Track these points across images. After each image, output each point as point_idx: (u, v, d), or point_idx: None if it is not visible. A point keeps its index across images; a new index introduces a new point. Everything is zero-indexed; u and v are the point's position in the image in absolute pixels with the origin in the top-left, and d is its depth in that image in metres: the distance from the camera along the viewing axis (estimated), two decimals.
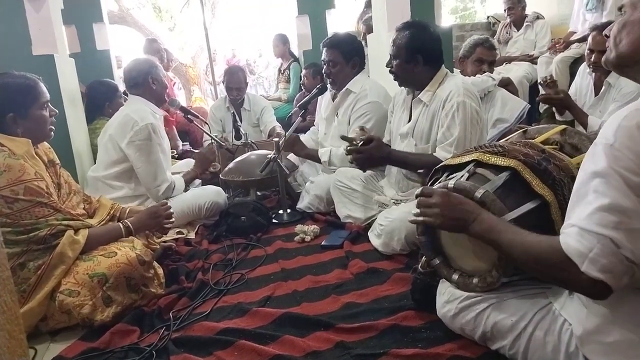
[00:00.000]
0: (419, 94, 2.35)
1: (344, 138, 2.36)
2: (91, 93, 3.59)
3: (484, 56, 3.14)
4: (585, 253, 0.93)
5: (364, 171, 2.43)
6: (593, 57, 2.94)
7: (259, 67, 11.94)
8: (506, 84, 3.75)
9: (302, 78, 4.75)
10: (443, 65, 2.35)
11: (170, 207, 2.24)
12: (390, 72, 2.39)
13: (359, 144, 2.26)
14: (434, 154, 2.25)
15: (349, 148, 2.29)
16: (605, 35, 1.08)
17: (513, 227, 1.16)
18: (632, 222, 0.90)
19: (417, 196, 1.40)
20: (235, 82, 4.00)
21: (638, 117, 0.92)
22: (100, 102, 3.53)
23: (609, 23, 2.96)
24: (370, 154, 2.26)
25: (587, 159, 0.98)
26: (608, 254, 0.91)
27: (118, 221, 2.15)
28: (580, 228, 0.95)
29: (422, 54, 2.27)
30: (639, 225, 0.90)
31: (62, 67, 3.06)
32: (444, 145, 2.21)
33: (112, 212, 2.21)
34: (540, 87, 3.23)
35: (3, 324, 0.56)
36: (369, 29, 4.10)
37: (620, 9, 1.06)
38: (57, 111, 1.99)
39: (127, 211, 2.27)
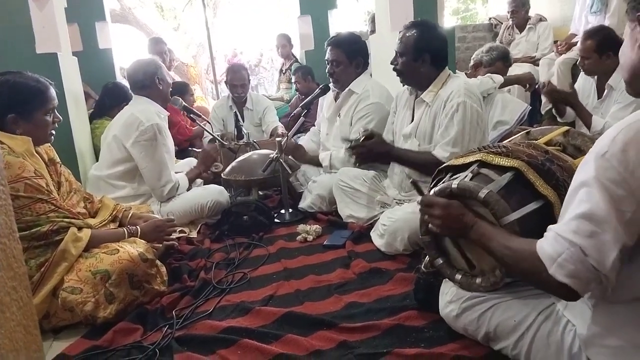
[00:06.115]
0: (421, 94, 2.35)
1: (346, 140, 2.37)
2: (107, 93, 3.59)
3: (499, 71, 3.18)
4: (554, 257, 0.97)
5: (358, 165, 2.48)
6: (579, 61, 3.06)
7: (262, 68, 11.89)
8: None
9: (294, 84, 4.75)
10: (447, 66, 2.36)
11: (175, 224, 2.27)
12: (395, 69, 2.39)
13: (361, 139, 2.32)
14: (432, 152, 2.26)
15: (351, 144, 2.35)
16: None
17: (503, 233, 1.19)
18: (605, 233, 0.92)
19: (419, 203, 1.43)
20: (239, 79, 4.01)
21: (636, 130, 0.91)
22: (114, 103, 3.52)
23: (598, 29, 3.02)
24: (371, 148, 2.31)
25: (580, 166, 1.00)
26: (576, 260, 0.94)
27: (120, 224, 2.17)
28: (556, 233, 0.99)
29: (429, 53, 2.29)
30: (611, 238, 0.92)
31: (65, 66, 3.06)
32: (442, 144, 2.22)
33: (114, 213, 2.21)
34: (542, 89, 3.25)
35: (20, 319, 0.56)
36: None
37: None
38: (62, 118, 1.98)
39: (129, 215, 2.26)
